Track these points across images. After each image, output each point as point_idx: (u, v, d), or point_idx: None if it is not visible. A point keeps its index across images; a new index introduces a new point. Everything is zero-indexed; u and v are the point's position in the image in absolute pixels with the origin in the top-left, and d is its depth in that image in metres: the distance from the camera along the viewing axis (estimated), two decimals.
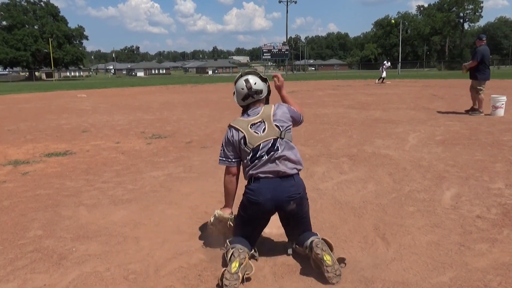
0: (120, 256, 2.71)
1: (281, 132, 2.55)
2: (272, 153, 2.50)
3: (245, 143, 2.55)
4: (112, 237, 3.01)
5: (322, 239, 2.44)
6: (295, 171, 2.54)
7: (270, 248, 2.75)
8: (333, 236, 2.93)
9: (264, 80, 2.71)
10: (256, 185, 2.50)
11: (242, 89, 2.63)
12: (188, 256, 2.68)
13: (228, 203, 2.74)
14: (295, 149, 2.60)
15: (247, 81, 2.62)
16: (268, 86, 2.76)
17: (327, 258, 2.28)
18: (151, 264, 2.58)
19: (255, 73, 2.70)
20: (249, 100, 2.66)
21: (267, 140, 2.52)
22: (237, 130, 2.58)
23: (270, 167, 2.49)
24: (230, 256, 2.34)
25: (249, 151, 2.54)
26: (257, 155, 2.52)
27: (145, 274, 2.47)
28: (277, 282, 2.35)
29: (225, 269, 2.27)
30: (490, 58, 9.15)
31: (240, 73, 2.72)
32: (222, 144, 2.67)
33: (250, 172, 2.53)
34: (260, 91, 2.66)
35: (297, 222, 2.58)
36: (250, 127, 2.57)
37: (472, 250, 2.64)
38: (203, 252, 2.73)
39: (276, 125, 2.56)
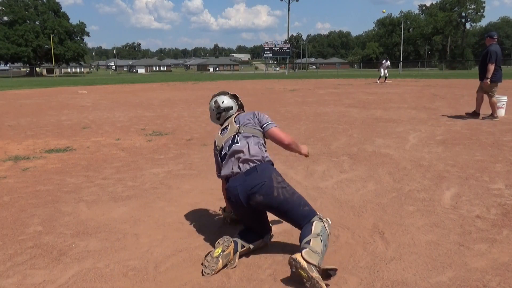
0: (120, 252, 2.71)
1: (239, 127, 2.73)
2: (232, 148, 2.64)
3: (215, 148, 2.85)
4: (112, 234, 3.01)
5: (302, 254, 2.24)
6: (256, 162, 2.56)
7: (271, 246, 2.76)
8: (332, 235, 2.93)
9: (233, 97, 2.96)
10: (228, 184, 2.63)
11: (213, 109, 2.93)
12: (187, 253, 2.68)
13: (226, 204, 3.07)
14: (254, 139, 2.67)
15: (215, 102, 2.90)
16: (239, 102, 3.00)
17: (303, 275, 2.21)
18: (151, 261, 2.58)
19: (224, 93, 2.96)
20: (222, 118, 2.92)
21: (228, 138, 2.72)
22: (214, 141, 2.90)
23: (233, 163, 2.59)
24: (216, 244, 2.53)
25: (218, 152, 2.79)
26: (222, 154, 2.72)
27: (144, 270, 2.47)
28: (276, 282, 2.35)
29: (209, 252, 2.46)
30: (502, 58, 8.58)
31: (211, 96, 3.00)
32: None
33: (222, 172, 2.70)
34: (230, 108, 2.90)
35: (282, 214, 2.54)
36: (220, 132, 2.84)
37: (471, 250, 2.64)
38: (203, 249, 2.73)
39: (236, 124, 2.77)
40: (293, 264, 2.24)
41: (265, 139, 2.79)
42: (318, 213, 2.50)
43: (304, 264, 2.17)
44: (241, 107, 3.02)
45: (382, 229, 3.00)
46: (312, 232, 2.36)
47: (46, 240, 2.93)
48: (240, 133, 2.70)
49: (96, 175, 4.64)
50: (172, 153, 5.79)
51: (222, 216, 3.23)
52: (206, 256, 2.46)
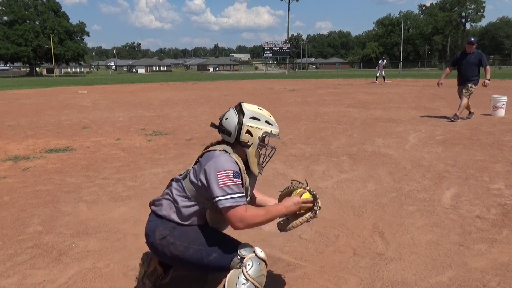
0: (120, 252, 2.71)
1: (183, 175, 2.04)
2: (166, 190, 2.10)
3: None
4: (112, 234, 3.01)
5: None
6: (163, 213, 1.99)
7: (270, 247, 2.76)
8: (332, 235, 2.93)
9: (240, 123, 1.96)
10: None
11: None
12: None
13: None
14: (174, 203, 1.98)
15: (225, 113, 2.05)
16: (248, 136, 1.97)
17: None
18: None
19: (240, 111, 2.00)
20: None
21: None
22: None
23: (157, 201, 2.08)
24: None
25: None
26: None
27: None
28: (276, 282, 2.35)
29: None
30: (491, 58, 8.78)
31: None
32: None
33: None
34: (227, 132, 1.98)
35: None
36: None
37: (471, 250, 2.64)
38: None
39: (192, 168, 2.02)
40: None
41: None
42: (240, 251, 1.90)
43: None
44: (244, 145, 2.02)
45: (382, 229, 2.99)
46: None
47: (46, 240, 2.93)
48: (177, 181, 2.12)
49: (96, 175, 4.63)
50: (172, 153, 5.79)
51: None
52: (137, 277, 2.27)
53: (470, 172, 4.44)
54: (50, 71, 71.59)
